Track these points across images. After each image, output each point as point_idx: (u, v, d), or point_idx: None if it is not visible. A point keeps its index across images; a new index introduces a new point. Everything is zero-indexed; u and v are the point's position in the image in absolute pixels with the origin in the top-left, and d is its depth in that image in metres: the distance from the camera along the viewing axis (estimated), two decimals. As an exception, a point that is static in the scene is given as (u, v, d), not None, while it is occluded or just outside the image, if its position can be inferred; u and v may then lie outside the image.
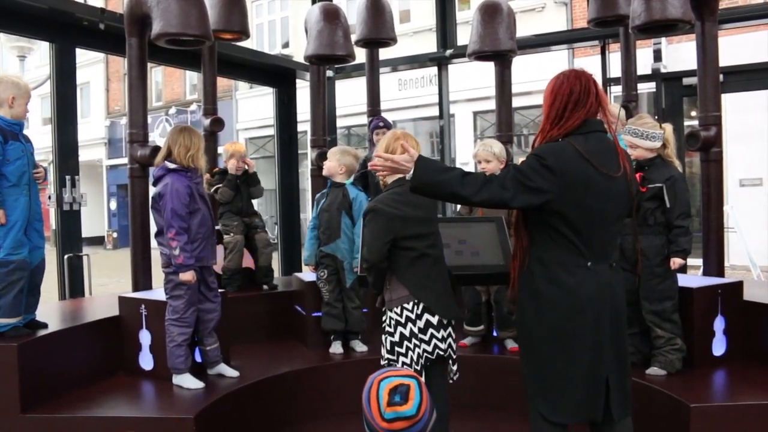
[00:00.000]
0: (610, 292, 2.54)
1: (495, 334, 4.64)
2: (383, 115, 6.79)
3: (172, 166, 3.80)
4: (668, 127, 3.88)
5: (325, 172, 4.64)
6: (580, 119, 2.51)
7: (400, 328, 3.01)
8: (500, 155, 4.50)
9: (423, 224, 3.03)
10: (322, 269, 4.55)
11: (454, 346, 3.08)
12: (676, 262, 3.73)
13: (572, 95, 2.51)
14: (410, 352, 3.01)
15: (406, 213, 2.97)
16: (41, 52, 17.58)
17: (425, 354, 2.99)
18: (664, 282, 3.76)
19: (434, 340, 2.99)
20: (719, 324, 3.94)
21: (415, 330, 2.99)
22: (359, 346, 4.59)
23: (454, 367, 3.11)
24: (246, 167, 5.45)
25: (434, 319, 2.98)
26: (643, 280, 3.77)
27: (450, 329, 3.05)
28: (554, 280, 2.52)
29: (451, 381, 3.14)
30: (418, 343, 2.98)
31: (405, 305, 3.01)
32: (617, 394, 2.54)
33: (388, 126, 5.81)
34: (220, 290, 4.06)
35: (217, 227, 4.58)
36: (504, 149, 4.61)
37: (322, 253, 4.53)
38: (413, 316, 2.99)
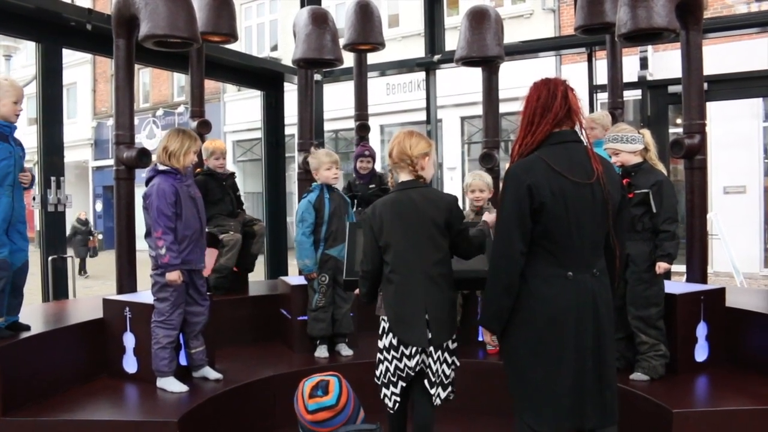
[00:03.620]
0: (592, 301, 2.52)
1: (480, 338, 4.65)
2: (371, 120, 6.83)
3: (161, 167, 3.80)
4: (647, 132, 3.95)
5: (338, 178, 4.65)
6: (549, 124, 2.54)
7: (384, 337, 3.02)
8: (491, 185, 4.74)
9: (403, 235, 2.94)
10: (323, 274, 4.52)
11: (435, 366, 2.95)
12: (660, 266, 3.74)
13: (539, 101, 2.56)
14: (381, 365, 3.02)
15: (386, 219, 2.95)
16: (27, 52, 17.44)
17: (396, 371, 2.94)
18: (651, 288, 3.78)
19: (405, 359, 2.93)
20: (702, 330, 3.97)
21: (388, 344, 2.97)
22: (345, 350, 4.59)
23: (432, 390, 2.96)
24: (228, 170, 5.57)
25: (395, 340, 2.95)
26: (630, 285, 3.80)
27: (428, 350, 2.92)
28: (533, 292, 2.52)
29: (437, 403, 3.00)
30: (389, 357, 2.96)
31: (383, 317, 3.03)
32: (595, 404, 2.53)
33: (372, 156, 5.93)
34: (208, 293, 4.04)
35: (207, 230, 4.56)
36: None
37: (326, 256, 4.50)
38: (387, 330, 2.99)
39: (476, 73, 6.18)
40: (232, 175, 5.65)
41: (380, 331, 3.04)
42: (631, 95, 8.84)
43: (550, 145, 2.54)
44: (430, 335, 2.91)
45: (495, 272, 2.56)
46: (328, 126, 9.42)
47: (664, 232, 3.74)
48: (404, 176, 3.04)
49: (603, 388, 2.54)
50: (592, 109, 7.43)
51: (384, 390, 3.03)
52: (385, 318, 3.01)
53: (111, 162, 5.24)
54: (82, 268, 16.74)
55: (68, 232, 16.58)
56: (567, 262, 2.51)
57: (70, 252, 5.64)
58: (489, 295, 2.60)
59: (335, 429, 2.22)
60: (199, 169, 5.51)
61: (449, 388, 3.03)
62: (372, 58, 6.98)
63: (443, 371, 2.99)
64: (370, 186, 5.77)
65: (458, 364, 3.06)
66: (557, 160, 2.50)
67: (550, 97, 2.55)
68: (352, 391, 2.31)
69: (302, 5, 7.12)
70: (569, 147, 2.55)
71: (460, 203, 3.06)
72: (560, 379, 2.50)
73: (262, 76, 7.85)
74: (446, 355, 2.99)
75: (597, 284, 2.55)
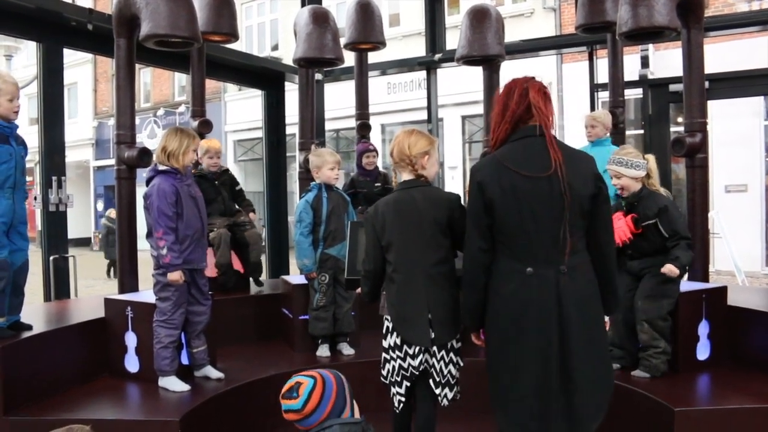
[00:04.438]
0: (557, 299, 2.44)
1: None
2: (372, 119, 6.83)
3: (161, 167, 3.80)
4: (651, 158, 3.93)
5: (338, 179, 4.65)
6: (507, 123, 2.55)
7: (388, 337, 3.01)
8: None
9: (404, 234, 2.93)
10: (323, 274, 4.52)
11: (440, 366, 2.94)
12: (668, 267, 3.70)
13: (499, 103, 2.59)
14: (387, 364, 3.02)
15: (387, 219, 2.95)
16: (28, 52, 17.44)
17: (400, 371, 2.94)
18: (667, 281, 3.79)
19: (409, 358, 2.92)
20: (703, 328, 3.96)
21: (392, 343, 2.97)
22: (346, 349, 4.59)
23: (437, 390, 2.96)
24: (223, 167, 5.59)
25: (399, 339, 2.94)
26: (647, 277, 3.82)
27: (432, 350, 2.92)
28: (495, 289, 2.54)
29: (444, 404, 3.00)
30: (394, 356, 2.96)
31: (387, 317, 3.03)
32: (561, 409, 2.46)
33: (377, 150, 5.95)
34: (210, 292, 4.04)
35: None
36: None
37: (326, 255, 4.50)
38: (391, 330, 2.98)
39: (477, 72, 6.18)
40: (225, 171, 5.64)
41: (384, 331, 3.05)
42: (632, 94, 8.84)
43: (510, 143, 2.55)
44: (433, 335, 2.91)
45: (463, 270, 2.67)
46: (329, 125, 9.43)
47: (674, 246, 3.75)
48: (405, 176, 3.04)
49: (570, 393, 2.45)
50: (593, 108, 7.44)
51: (392, 389, 3.02)
52: (389, 317, 3.01)
53: (112, 162, 5.25)
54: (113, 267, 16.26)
55: (96, 232, 16.26)
56: (525, 258, 2.48)
57: (72, 252, 5.63)
58: (462, 293, 2.72)
59: (311, 428, 2.25)
60: (194, 171, 5.51)
61: (456, 389, 3.02)
62: (373, 57, 6.98)
63: (449, 371, 2.97)
64: (376, 185, 5.76)
65: (462, 363, 3.04)
66: (511, 156, 2.50)
67: (508, 97, 2.57)
68: (332, 394, 2.29)
69: (303, 4, 7.12)
70: (527, 142, 2.53)
71: (462, 202, 3.05)
72: (524, 379, 2.46)
73: (263, 76, 7.85)
74: (451, 354, 2.97)
75: (565, 282, 2.46)
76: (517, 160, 2.48)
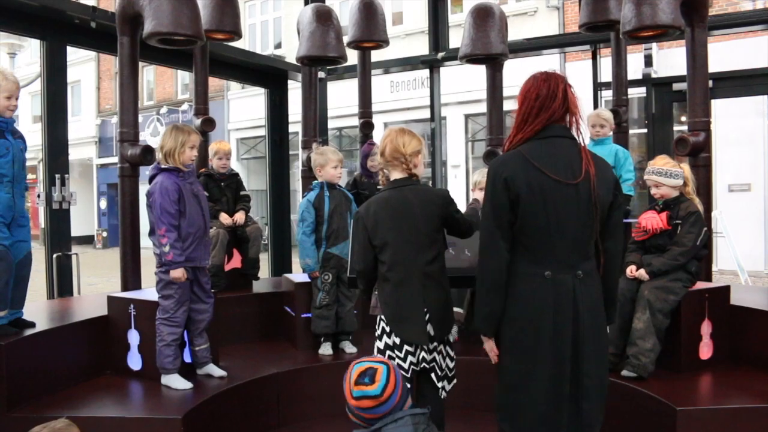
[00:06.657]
0: (573, 304, 2.42)
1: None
2: (374, 117, 6.82)
3: (164, 165, 3.81)
4: (686, 167, 4.03)
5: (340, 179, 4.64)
6: (542, 123, 2.47)
7: (384, 337, 2.99)
8: None
9: (400, 233, 2.93)
10: (326, 273, 4.52)
11: (439, 361, 2.97)
12: (633, 269, 3.87)
13: (538, 99, 2.47)
14: None
15: (380, 218, 2.95)
16: (32, 50, 17.49)
17: (400, 369, 2.91)
18: (676, 280, 3.82)
19: (409, 356, 2.91)
20: (706, 328, 3.96)
21: (390, 343, 2.96)
22: (349, 348, 4.59)
23: (440, 384, 2.98)
24: (233, 170, 5.61)
25: (397, 338, 2.94)
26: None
27: (431, 345, 2.93)
28: (510, 291, 2.47)
29: (443, 396, 3.02)
30: (393, 356, 2.95)
31: (381, 317, 3.02)
32: (571, 414, 2.44)
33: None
34: (212, 290, 4.04)
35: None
36: None
37: (329, 255, 4.51)
38: (388, 330, 2.97)
39: (480, 71, 6.17)
40: (235, 175, 5.65)
41: (379, 332, 3.02)
42: (636, 93, 8.81)
43: (535, 140, 2.47)
44: (432, 332, 2.91)
45: (481, 271, 2.51)
46: (331, 123, 9.42)
47: (674, 260, 3.80)
48: (397, 174, 3.03)
49: (580, 398, 2.44)
50: (595, 106, 7.42)
51: None
52: (384, 318, 2.99)
53: (115, 159, 5.26)
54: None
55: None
56: (545, 261, 2.43)
57: (75, 250, 5.64)
58: (478, 295, 2.55)
59: (381, 416, 2.22)
60: (203, 169, 5.53)
61: (453, 381, 3.05)
62: (376, 55, 6.97)
63: (446, 365, 3.01)
64: (378, 187, 5.75)
65: (454, 356, 3.07)
66: (538, 154, 2.42)
67: (549, 97, 2.47)
68: (400, 380, 2.29)
69: (306, 3, 7.12)
70: (556, 142, 2.46)
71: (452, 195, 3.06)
72: (535, 385, 2.43)
73: (266, 74, 7.85)
74: (447, 348, 3.01)
75: (580, 287, 2.44)
76: (544, 160, 2.41)
